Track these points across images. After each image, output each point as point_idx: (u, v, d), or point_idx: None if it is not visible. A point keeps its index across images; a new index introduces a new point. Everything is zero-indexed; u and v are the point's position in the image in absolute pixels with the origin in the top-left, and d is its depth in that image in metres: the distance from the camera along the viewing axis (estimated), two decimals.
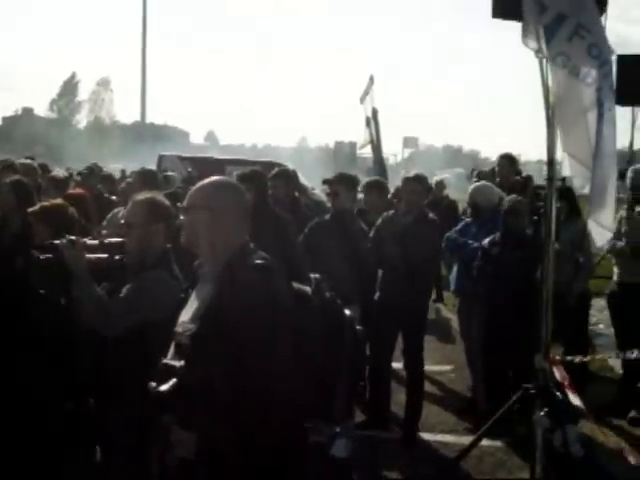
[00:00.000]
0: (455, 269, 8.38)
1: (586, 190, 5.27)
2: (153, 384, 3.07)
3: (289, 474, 3.19)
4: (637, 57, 12.82)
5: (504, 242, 7.31)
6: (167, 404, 3.08)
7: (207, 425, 3.11)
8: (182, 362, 3.12)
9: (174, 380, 3.06)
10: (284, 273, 3.26)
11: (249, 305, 3.04)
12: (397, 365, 7.96)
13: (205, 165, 17.29)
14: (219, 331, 3.08)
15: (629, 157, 13.47)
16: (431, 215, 7.65)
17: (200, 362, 3.11)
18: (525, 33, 5.03)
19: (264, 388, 3.01)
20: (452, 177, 31.75)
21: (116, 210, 7.99)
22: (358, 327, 3.39)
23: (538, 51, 5.06)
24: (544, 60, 5.16)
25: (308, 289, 3.32)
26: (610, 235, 5.67)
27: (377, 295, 7.41)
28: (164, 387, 3.05)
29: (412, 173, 8.23)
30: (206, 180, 3.46)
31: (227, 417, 3.05)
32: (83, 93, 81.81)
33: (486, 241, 7.43)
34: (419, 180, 7.74)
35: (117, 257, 4.57)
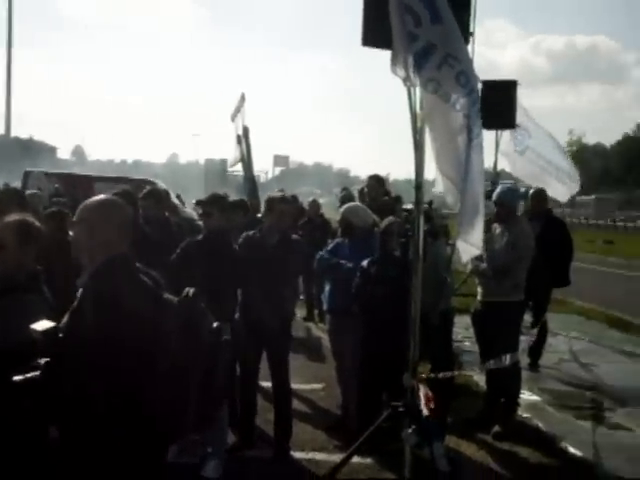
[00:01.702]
0: (327, 288, 8.45)
1: (457, 209, 5.48)
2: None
3: None
4: (499, 82, 13.29)
5: (381, 262, 7.45)
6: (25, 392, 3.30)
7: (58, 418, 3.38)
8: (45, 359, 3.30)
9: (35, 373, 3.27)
10: (153, 286, 3.52)
11: (99, 312, 3.28)
12: (266, 384, 7.99)
13: (73, 182, 16.97)
14: (72, 334, 3.34)
15: (493, 178, 13.89)
16: (295, 236, 7.74)
17: (55, 361, 3.30)
18: (394, 61, 5.16)
19: (107, 390, 3.21)
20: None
21: None
22: (226, 337, 3.50)
23: (406, 79, 5.19)
24: (412, 88, 5.31)
25: (175, 299, 3.49)
26: (477, 252, 5.89)
27: (238, 314, 7.42)
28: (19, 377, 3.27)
29: (278, 193, 8.30)
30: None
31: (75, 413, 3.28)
32: None
33: (365, 261, 7.53)
34: (285, 201, 7.81)
35: None
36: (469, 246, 5.59)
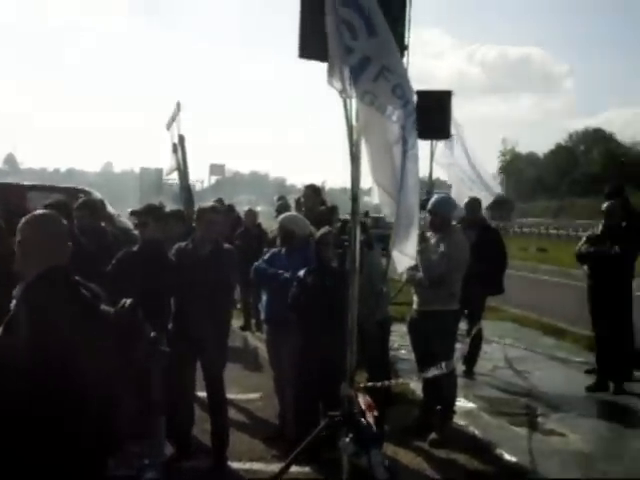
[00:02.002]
0: (265, 298, 8.45)
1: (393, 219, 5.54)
2: None
3: None
4: (434, 92, 13.44)
5: (318, 272, 7.48)
6: None
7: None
8: None
9: None
10: (91, 298, 3.57)
11: (30, 325, 3.36)
12: (203, 394, 7.95)
13: (5, 191, 16.68)
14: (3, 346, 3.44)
15: (428, 187, 14.04)
16: (227, 245, 7.74)
17: None
18: (330, 73, 5.19)
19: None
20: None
21: None
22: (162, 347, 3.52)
23: (342, 91, 5.23)
24: (348, 100, 5.35)
25: (112, 310, 3.58)
26: (412, 262, 5.96)
27: (171, 324, 7.40)
28: None
29: (209, 203, 8.29)
30: None
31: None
32: None
33: (302, 271, 7.55)
34: (216, 210, 7.81)
35: None
36: (404, 256, 5.66)
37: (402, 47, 5.67)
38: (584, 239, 10.60)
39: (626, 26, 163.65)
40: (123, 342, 3.41)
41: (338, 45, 5.12)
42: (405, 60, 5.70)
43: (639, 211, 11.44)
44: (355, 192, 5.63)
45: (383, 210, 5.83)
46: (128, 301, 3.56)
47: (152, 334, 3.54)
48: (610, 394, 10.24)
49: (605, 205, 10.43)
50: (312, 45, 5.42)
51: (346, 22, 5.15)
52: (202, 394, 7.91)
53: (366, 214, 8.36)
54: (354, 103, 5.35)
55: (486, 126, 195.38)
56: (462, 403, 9.33)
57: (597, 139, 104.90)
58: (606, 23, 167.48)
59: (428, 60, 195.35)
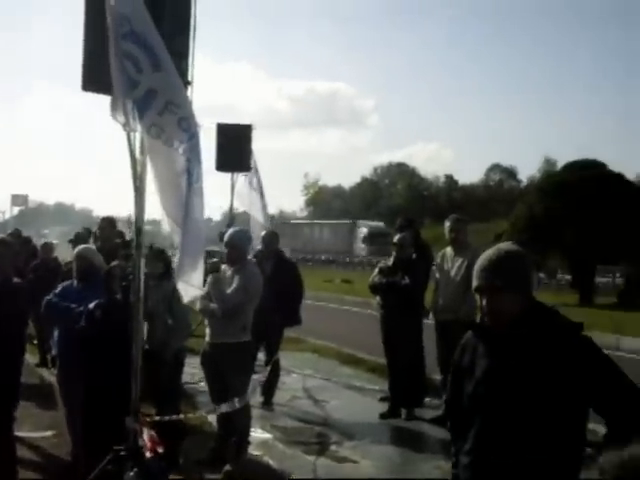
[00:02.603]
0: (56, 333, 8.24)
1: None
2: None
3: None
4: (235, 126, 13.65)
5: (106, 305, 7.37)
6: None
7: None
8: None
9: None
10: None
11: None
12: None
13: None
14: None
15: (229, 220, 14.17)
16: (16, 280, 7.53)
17: None
18: (114, 107, 5.21)
19: None
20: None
21: None
22: None
23: (125, 125, 5.26)
24: (132, 133, 5.38)
25: None
26: (198, 292, 6.04)
27: None
28: None
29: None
30: None
31: None
32: None
33: (92, 304, 7.43)
34: (2, 243, 7.59)
35: None
36: (189, 287, 5.72)
37: (186, 82, 5.75)
38: (377, 270, 10.96)
39: (427, 61, 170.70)
40: None
41: (122, 79, 5.15)
42: (190, 94, 5.77)
43: (428, 243, 11.98)
44: (139, 225, 5.66)
45: (173, 239, 5.87)
46: None
47: None
48: (402, 420, 10.59)
49: (396, 237, 10.84)
50: (96, 78, 5.42)
51: (130, 55, 5.19)
52: None
53: (151, 247, 8.35)
54: (138, 137, 5.39)
55: (293, 160, 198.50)
56: (258, 434, 9.43)
57: (400, 173, 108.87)
58: (408, 60, 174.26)
59: (236, 94, 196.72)
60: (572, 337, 3.60)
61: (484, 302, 3.70)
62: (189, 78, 5.83)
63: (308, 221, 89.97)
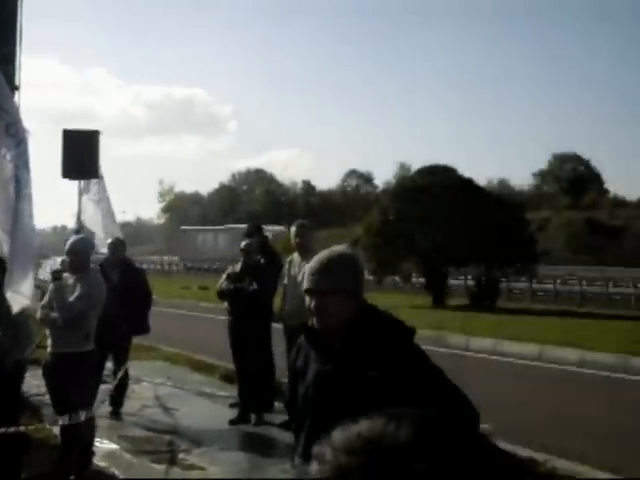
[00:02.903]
0: None
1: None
2: None
3: None
4: (82, 132, 13.37)
5: None
6: None
7: None
8: None
9: None
10: None
11: None
12: None
13: None
14: None
15: (77, 227, 13.89)
16: None
17: None
18: None
19: None
20: None
21: None
22: None
23: None
24: None
25: None
26: (27, 302, 5.89)
27: None
28: None
29: None
30: None
31: None
32: None
33: None
34: None
35: None
36: (18, 296, 5.59)
37: (13, 87, 5.62)
38: (224, 276, 10.97)
39: (284, 67, 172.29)
40: None
41: None
42: (17, 100, 5.64)
43: (276, 249, 12.06)
44: None
45: (3, 248, 5.73)
46: None
47: None
48: (252, 426, 10.62)
49: (244, 243, 10.89)
50: None
51: None
52: None
53: None
54: None
55: (150, 167, 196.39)
56: (105, 445, 9.29)
57: (259, 179, 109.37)
58: (265, 65, 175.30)
59: (91, 99, 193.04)
60: (400, 343, 3.66)
61: (312, 305, 3.72)
62: (16, 82, 5.70)
63: (201, 227, 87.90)
